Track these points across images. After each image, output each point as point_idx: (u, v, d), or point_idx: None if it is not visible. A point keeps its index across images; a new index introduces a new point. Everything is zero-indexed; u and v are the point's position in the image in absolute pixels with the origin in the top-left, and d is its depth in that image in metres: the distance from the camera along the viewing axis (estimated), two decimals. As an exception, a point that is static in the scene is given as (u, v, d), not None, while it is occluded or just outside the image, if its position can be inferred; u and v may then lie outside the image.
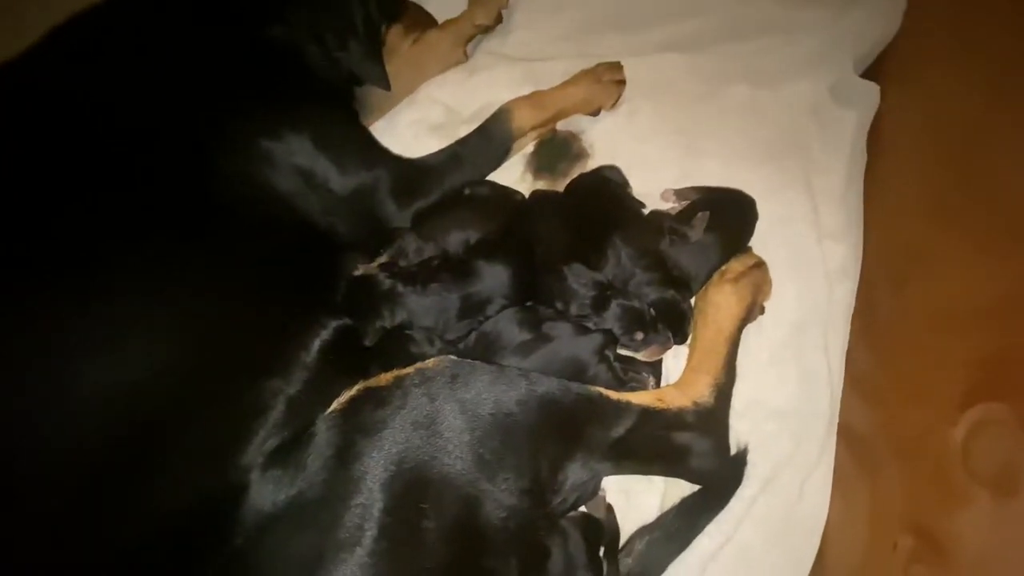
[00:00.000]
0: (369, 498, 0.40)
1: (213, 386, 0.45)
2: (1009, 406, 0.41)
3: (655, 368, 0.61)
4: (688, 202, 0.67)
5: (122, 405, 0.42)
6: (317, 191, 0.57)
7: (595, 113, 0.74)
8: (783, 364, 0.63)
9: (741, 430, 0.58)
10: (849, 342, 0.64)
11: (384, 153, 0.64)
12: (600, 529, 0.54)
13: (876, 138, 0.70)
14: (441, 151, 0.67)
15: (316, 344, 0.50)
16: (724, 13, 0.79)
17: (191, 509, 0.42)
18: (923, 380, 0.52)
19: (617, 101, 0.74)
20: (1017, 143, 0.51)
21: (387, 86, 0.69)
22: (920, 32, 0.70)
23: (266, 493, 0.42)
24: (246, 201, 0.53)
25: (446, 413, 0.43)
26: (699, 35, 0.79)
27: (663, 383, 0.61)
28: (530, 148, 0.73)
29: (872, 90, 0.70)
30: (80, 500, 0.40)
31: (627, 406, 0.51)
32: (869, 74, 0.73)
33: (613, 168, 0.69)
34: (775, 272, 0.64)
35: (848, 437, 0.60)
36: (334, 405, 0.45)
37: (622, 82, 0.74)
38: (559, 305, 0.60)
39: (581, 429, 0.48)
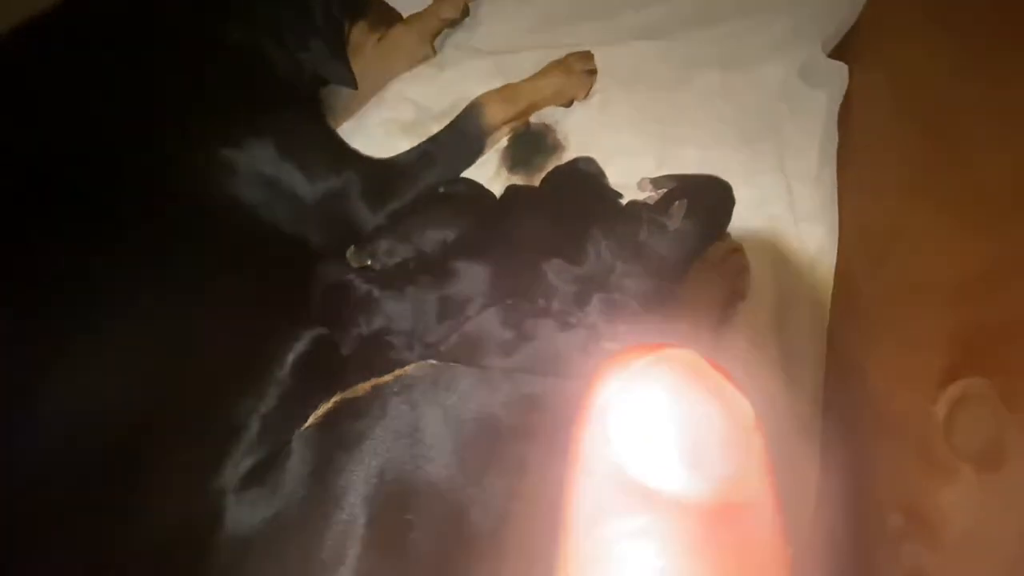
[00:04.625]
0: (351, 514, 0.39)
1: (180, 409, 0.43)
2: (989, 381, 0.41)
3: (639, 360, 0.61)
4: (665, 191, 0.67)
5: (82, 434, 0.40)
6: (284, 199, 0.55)
7: (568, 104, 0.73)
8: (765, 348, 0.63)
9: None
10: (830, 323, 0.64)
11: (353, 155, 0.62)
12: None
13: (846, 118, 0.70)
14: (412, 150, 0.66)
15: (290, 357, 0.48)
16: (692, -3, 0.78)
17: (162, 539, 0.40)
18: (904, 358, 0.52)
19: (589, 91, 0.73)
20: (987, 115, 0.51)
21: (354, 85, 0.67)
22: (884, 8, 0.70)
23: (243, 517, 0.41)
24: (209, 214, 0.51)
25: (428, 420, 0.42)
26: (668, 21, 0.78)
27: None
28: (504, 143, 0.72)
29: (841, 70, 0.71)
30: (38, 534, 0.38)
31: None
32: (836, 54, 0.73)
33: (588, 160, 0.68)
34: (754, 256, 0.64)
35: (833, 417, 0.60)
36: (311, 419, 0.44)
37: (593, 71, 0.73)
38: (541, 302, 0.59)
39: (567, 427, 0.48)
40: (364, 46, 0.74)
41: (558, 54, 0.73)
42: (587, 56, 0.73)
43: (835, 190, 0.69)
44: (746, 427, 0.11)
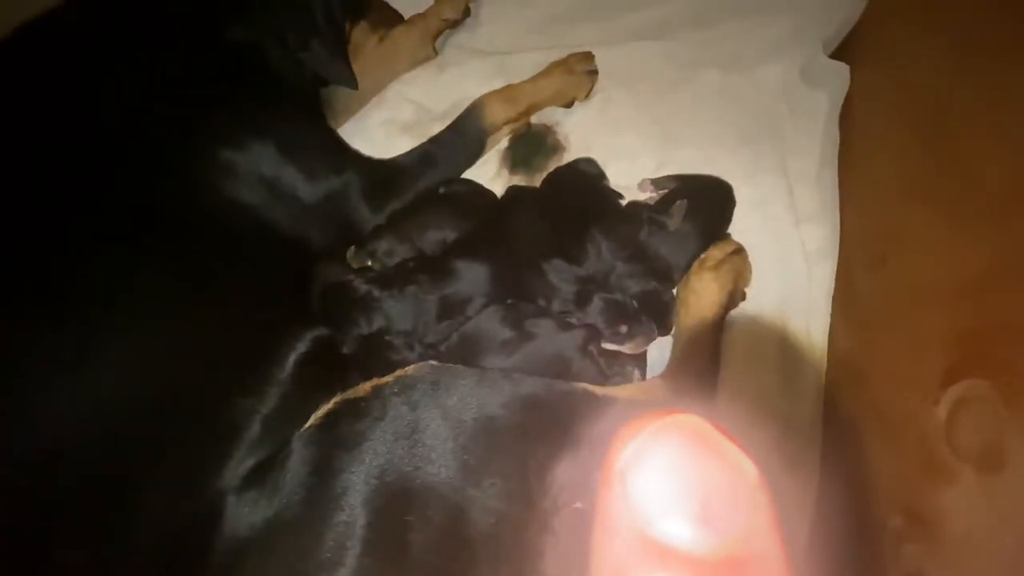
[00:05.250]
0: (351, 515, 0.39)
1: (182, 410, 0.43)
2: (990, 382, 0.41)
3: (640, 361, 0.61)
4: (665, 191, 0.67)
5: (85, 433, 0.40)
6: (285, 200, 0.55)
7: (568, 105, 0.73)
8: (766, 349, 0.63)
9: (727, 418, 0.58)
10: (830, 323, 0.64)
11: (353, 156, 0.62)
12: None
13: (847, 118, 0.70)
14: (413, 151, 0.66)
15: (291, 358, 0.48)
16: (693, -2, 0.78)
17: (163, 539, 0.40)
18: (904, 359, 0.52)
19: (590, 92, 0.73)
20: (987, 117, 0.51)
21: (354, 85, 0.67)
22: (885, 10, 0.70)
23: (243, 517, 0.41)
24: (209, 215, 0.51)
25: (428, 421, 0.42)
26: (669, 21, 0.78)
27: (648, 375, 0.61)
28: (504, 143, 0.72)
29: (842, 70, 0.70)
30: (38, 532, 0.38)
31: (613, 401, 0.50)
32: (837, 54, 0.73)
33: (589, 160, 0.68)
34: (754, 257, 0.64)
35: (834, 419, 0.60)
36: (311, 420, 0.44)
37: (594, 72, 0.73)
38: (541, 301, 0.59)
39: (567, 427, 0.48)
40: (365, 46, 0.74)
41: (559, 55, 0.73)
42: (588, 57, 0.73)
43: (836, 191, 0.69)
44: (751, 486, 0.12)
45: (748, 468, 0.12)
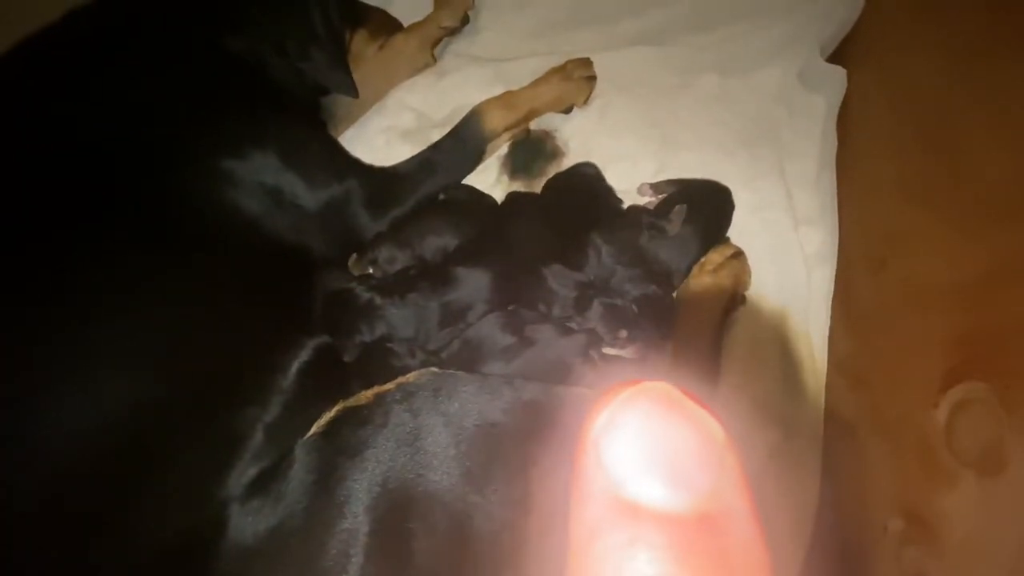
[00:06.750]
0: (354, 523, 0.39)
1: (185, 420, 0.43)
2: (989, 385, 0.41)
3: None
4: (665, 196, 0.67)
5: (89, 442, 0.41)
6: (286, 208, 0.55)
7: (567, 110, 0.73)
8: (766, 352, 0.63)
9: (728, 420, 0.58)
10: (830, 326, 0.64)
11: (354, 163, 0.62)
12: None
13: (845, 121, 0.71)
14: (413, 158, 0.67)
15: (294, 366, 0.48)
16: (690, 3, 0.78)
17: (167, 548, 0.40)
18: (904, 361, 0.53)
19: (588, 97, 0.73)
20: (984, 119, 0.52)
21: (354, 93, 0.68)
22: (881, 13, 0.70)
23: (247, 526, 0.41)
24: (210, 224, 0.51)
25: (430, 428, 0.42)
26: (667, 26, 0.78)
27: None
28: (504, 150, 0.72)
29: (839, 74, 0.71)
30: (40, 541, 0.39)
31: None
32: (834, 58, 0.73)
33: (588, 165, 0.69)
34: (754, 260, 0.64)
35: (834, 422, 0.60)
36: (314, 428, 0.44)
37: (592, 78, 0.73)
38: (542, 307, 0.60)
39: (569, 432, 0.48)
40: (365, 54, 0.75)
41: (557, 61, 0.73)
42: (586, 62, 0.73)
43: (834, 194, 0.69)
44: (718, 446, 0.12)
45: (716, 429, 0.13)
